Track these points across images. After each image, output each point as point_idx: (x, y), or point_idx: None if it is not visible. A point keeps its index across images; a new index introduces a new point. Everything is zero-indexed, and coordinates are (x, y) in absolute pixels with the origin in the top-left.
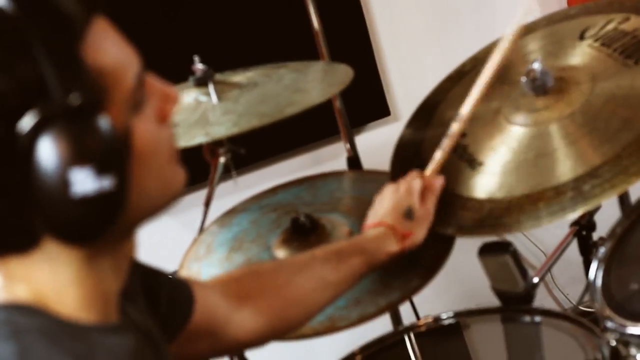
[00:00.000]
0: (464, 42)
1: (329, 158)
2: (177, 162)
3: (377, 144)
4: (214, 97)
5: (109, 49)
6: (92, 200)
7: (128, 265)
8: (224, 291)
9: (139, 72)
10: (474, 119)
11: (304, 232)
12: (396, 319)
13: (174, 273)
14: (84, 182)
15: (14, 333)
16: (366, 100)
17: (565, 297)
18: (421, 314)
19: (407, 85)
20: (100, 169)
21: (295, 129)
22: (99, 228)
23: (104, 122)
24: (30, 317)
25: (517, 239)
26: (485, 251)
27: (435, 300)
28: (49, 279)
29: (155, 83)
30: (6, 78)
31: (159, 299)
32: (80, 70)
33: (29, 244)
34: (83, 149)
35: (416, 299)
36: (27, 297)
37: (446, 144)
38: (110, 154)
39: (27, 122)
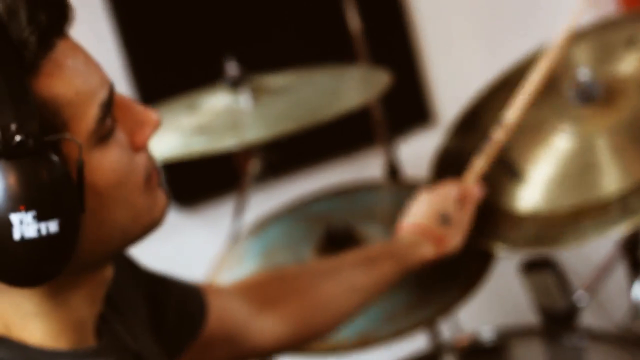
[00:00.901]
0: (511, 45)
1: (367, 166)
2: (155, 187)
3: (417, 151)
4: (246, 101)
5: (70, 77)
6: (36, 245)
7: (104, 290)
8: (245, 296)
9: (106, 100)
10: (518, 129)
11: (338, 243)
12: (434, 334)
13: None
14: (27, 226)
15: None
16: (407, 106)
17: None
18: (462, 330)
19: (450, 91)
20: (44, 214)
21: (332, 135)
22: (47, 272)
23: (51, 162)
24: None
25: (561, 254)
26: (527, 268)
27: (477, 316)
28: (12, 312)
29: (131, 106)
30: None
31: (165, 308)
32: (29, 104)
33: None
34: (24, 191)
35: (459, 313)
36: None
37: (486, 151)
38: (57, 196)
39: None
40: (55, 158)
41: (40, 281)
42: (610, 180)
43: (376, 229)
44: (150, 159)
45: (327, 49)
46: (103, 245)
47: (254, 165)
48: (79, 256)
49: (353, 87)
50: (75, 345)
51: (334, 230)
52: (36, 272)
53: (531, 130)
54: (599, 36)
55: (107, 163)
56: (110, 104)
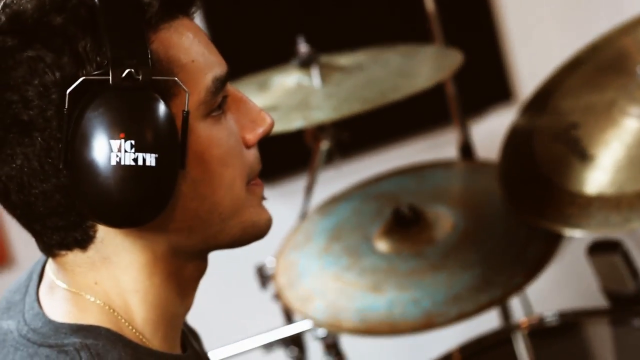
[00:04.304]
0: (592, 24)
1: (442, 147)
2: (258, 194)
3: (498, 131)
4: (317, 80)
5: (188, 46)
6: (131, 174)
7: (194, 292)
8: None
9: (221, 77)
10: (587, 110)
11: (406, 224)
12: (503, 316)
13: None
14: (124, 154)
15: (92, 358)
16: (487, 85)
17: None
18: (532, 312)
19: (530, 69)
20: (142, 145)
21: (406, 114)
22: (141, 209)
23: (155, 99)
24: (107, 342)
25: (629, 237)
26: (594, 250)
27: (546, 298)
28: (113, 285)
29: (248, 103)
30: (66, 47)
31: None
32: (144, 49)
33: (81, 232)
34: (126, 120)
35: (530, 295)
36: (97, 312)
37: None
38: (157, 132)
39: (79, 89)
40: (160, 98)
41: (133, 219)
42: None
43: (445, 210)
44: (257, 162)
45: (401, 28)
46: (201, 226)
47: (324, 144)
48: (177, 228)
49: (425, 67)
50: (169, 347)
51: (402, 210)
52: (129, 205)
53: (601, 111)
54: None
55: (215, 138)
56: (224, 82)
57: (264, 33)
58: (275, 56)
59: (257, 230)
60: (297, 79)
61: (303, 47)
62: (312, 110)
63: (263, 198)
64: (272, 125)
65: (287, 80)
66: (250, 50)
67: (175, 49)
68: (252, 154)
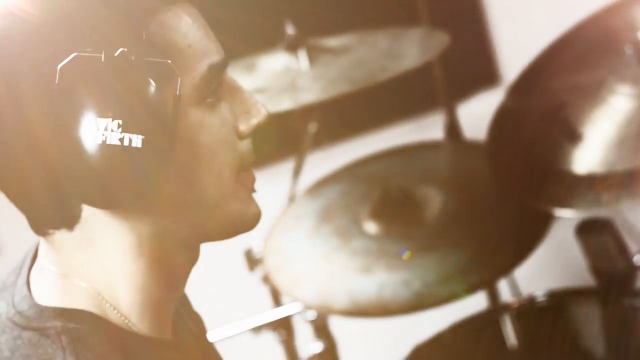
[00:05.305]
0: (577, 4)
1: (429, 127)
2: (248, 187)
3: (483, 112)
4: (304, 62)
5: (186, 31)
6: (116, 153)
7: (184, 281)
8: None
9: (218, 64)
10: (576, 90)
11: (395, 205)
12: (491, 296)
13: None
14: (110, 133)
15: (73, 342)
16: (471, 66)
17: None
18: (520, 292)
19: (515, 51)
20: (129, 125)
21: (393, 96)
22: (125, 190)
23: (146, 81)
24: (90, 326)
25: (619, 216)
26: (583, 229)
27: (534, 278)
28: (98, 267)
29: (243, 93)
30: (62, 23)
31: None
32: (139, 32)
33: (67, 211)
34: (114, 99)
35: (518, 276)
36: (82, 295)
37: None
38: (145, 113)
39: (70, 66)
40: (152, 80)
41: (116, 200)
42: None
43: (434, 191)
44: (248, 153)
45: (387, 10)
46: (187, 213)
47: (312, 127)
48: (163, 213)
49: (412, 49)
50: (156, 334)
51: (391, 192)
52: (113, 186)
53: (590, 91)
54: None
55: (206, 125)
56: (221, 69)
57: (251, 16)
58: (262, 39)
59: (244, 223)
60: (284, 61)
61: (290, 30)
62: (299, 92)
63: (253, 190)
64: (266, 117)
65: (274, 63)
66: (237, 33)
67: (172, 33)
68: (244, 145)
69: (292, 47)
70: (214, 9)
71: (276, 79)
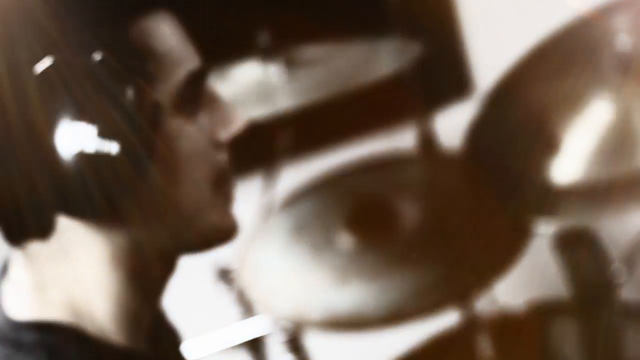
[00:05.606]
0: (552, 13)
1: (403, 139)
2: (227, 198)
3: (457, 123)
4: (277, 72)
5: (163, 39)
6: (93, 160)
7: (161, 294)
8: None
9: (196, 71)
10: (554, 99)
11: (369, 218)
12: (467, 310)
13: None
14: (87, 139)
15: (50, 356)
16: (445, 77)
17: None
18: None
19: (489, 61)
20: (106, 132)
21: (366, 107)
22: (102, 199)
23: (124, 89)
24: (66, 338)
25: (600, 226)
26: (563, 241)
27: (512, 290)
28: (74, 279)
29: (222, 103)
30: (37, 26)
31: None
32: (118, 40)
33: (42, 221)
34: (89, 105)
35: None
36: (58, 307)
37: None
38: (123, 120)
39: (47, 66)
40: (130, 86)
41: (91, 210)
42: None
43: (409, 203)
44: (226, 164)
45: (362, 21)
46: (163, 224)
47: (285, 138)
48: (139, 223)
49: (386, 59)
50: (133, 345)
51: (365, 204)
52: (87, 195)
53: (569, 100)
54: None
55: (183, 133)
56: (199, 78)
57: (225, 25)
58: (235, 48)
59: (220, 235)
60: (257, 71)
61: (263, 39)
62: (272, 103)
63: (232, 202)
64: (245, 127)
65: (247, 72)
66: (210, 42)
67: (151, 39)
68: (222, 156)
69: (266, 56)
70: (189, 17)
71: (249, 89)
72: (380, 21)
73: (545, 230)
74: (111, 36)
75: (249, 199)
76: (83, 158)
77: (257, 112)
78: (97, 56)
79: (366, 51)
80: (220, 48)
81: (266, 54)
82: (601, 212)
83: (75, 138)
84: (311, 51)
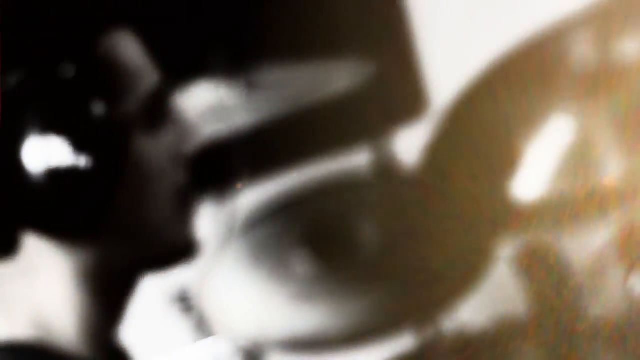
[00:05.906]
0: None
1: (359, 160)
2: (189, 222)
3: (413, 143)
4: (233, 94)
5: (132, 54)
6: (62, 174)
7: (125, 310)
8: None
9: (155, 91)
10: (515, 116)
11: (326, 243)
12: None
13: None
14: (56, 152)
15: None
16: (403, 94)
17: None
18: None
19: (445, 80)
20: (76, 144)
21: (322, 129)
22: (72, 214)
23: (93, 105)
24: (34, 357)
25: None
26: (523, 258)
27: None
28: (42, 296)
29: (189, 118)
30: (7, 37)
31: None
32: (86, 55)
33: (8, 238)
34: (60, 123)
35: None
36: (26, 325)
37: None
38: (89, 137)
39: (15, 80)
40: (98, 101)
41: (59, 227)
42: (615, 163)
43: (369, 226)
44: (190, 180)
45: (315, 41)
46: (128, 240)
47: (241, 158)
48: (105, 240)
49: (341, 78)
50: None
51: (321, 229)
52: (53, 212)
53: (528, 117)
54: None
55: (150, 149)
56: (165, 95)
57: (179, 45)
58: (195, 66)
59: (182, 252)
60: (210, 92)
61: (219, 60)
62: (228, 125)
63: (191, 220)
64: (199, 136)
65: (201, 94)
66: (172, 59)
67: (121, 54)
68: (182, 172)
69: (218, 77)
70: (150, 35)
71: (203, 110)
72: (335, 40)
73: (506, 249)
74: (82, 49)
75: (207, 218)
76: (50, 174)
77: (215, 130)
78: (66, 70)
79: (321, 71)
80: (180, 66)
81: (225, 73)
82: (561, 230)
83: (42, 154)
84: (268, 71)
